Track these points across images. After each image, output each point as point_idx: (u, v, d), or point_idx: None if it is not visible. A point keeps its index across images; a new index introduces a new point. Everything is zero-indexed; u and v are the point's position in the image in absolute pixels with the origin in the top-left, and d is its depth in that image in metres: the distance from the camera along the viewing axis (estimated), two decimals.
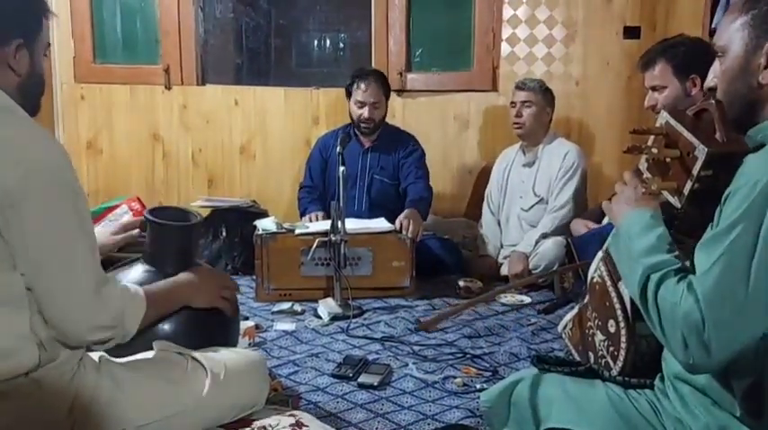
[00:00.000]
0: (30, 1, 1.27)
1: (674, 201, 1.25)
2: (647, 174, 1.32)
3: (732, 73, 1.14)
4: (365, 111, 3.18)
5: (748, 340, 1.02)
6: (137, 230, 1.76)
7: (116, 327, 1.27)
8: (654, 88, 2.19)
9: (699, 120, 1.29)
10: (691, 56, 2.13)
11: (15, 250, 1.15)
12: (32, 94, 1.28)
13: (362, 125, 3.22)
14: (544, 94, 3.21)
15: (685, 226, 1.25)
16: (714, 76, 1.19)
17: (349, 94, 3.26)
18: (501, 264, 3.22)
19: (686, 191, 1.22)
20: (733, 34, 1.13)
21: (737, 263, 1.01)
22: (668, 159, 1.28)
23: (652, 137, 1.33)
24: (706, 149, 1.18)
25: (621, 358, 1.32)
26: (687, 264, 1.12)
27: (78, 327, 1.23)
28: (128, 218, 1.81)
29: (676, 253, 1.14)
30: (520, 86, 3.22)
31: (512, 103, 3.23)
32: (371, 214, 3.19)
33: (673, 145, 1.27)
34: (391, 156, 3.31)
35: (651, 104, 2.22)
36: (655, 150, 1.29)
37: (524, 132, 3.20)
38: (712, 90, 1.19)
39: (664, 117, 1.33)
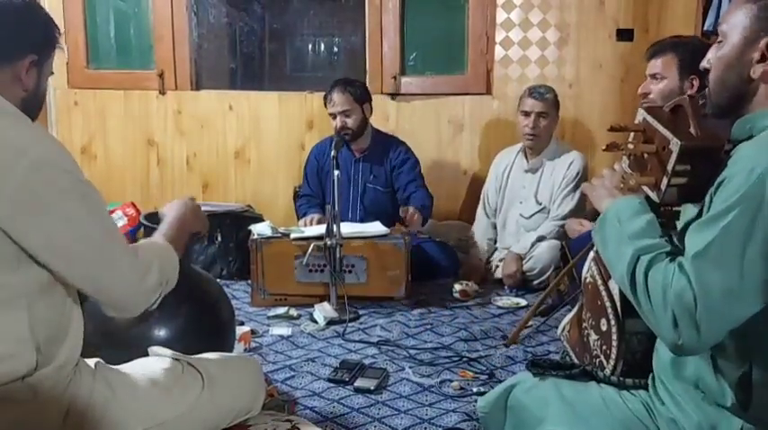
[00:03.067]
0: (49, 23, 1.33)
1: (654, 196, 1.26)
2: (627, 171, 1.33)
3: (726, 60, 1.15)
4: (338, 122, 3.20)
5: (738, 321, 1.03)
6: None
7: (162, 283, 1.31)
8: (653, 76, 2.17)
9: (675, 115, 1.30)
10: (698, 56, 2.13)
11: (39, 251, 1.15)
12: (31, 112, 1.30)
13: (342, 135, 3.20)
14: (556, 104, 3.20)
15: (667, 222, 1.25)
16: (709, 58, 1.19)
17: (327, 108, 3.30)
18: (497, 267, 3.22)
19: (663, 185, 1.23)
20: (736, 22, 1.14)
21: (732, 245, 1.02)
22: (646, 155, 1.29)
23: (632, 134, 1.34)
24: (679, 143, 1.19)
25: (613, 356, 1.32)
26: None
27: (136, 300, 1.27)
28: (121, 223, 1.81)
29: (666, 237, 1.15)
30: (536, 96, 3.14)
31: (524, 111, 3.17)
32: (366, 222, 3.18)
33: (650, 141, 1.29)
34: (383, 165, 3.31)
35: (645, 92, 2.20)
36: (631, 146, 1.30)
37: (537, 142, 3.17)
38: (706, 71, 1.20)
39: (641, 114, 1.34)
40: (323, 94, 3.68)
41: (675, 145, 1.20)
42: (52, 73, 1.36)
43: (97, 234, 1.21)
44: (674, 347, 1.06)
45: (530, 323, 2.64)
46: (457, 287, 2.98)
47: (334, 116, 3.22)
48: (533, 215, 3.20)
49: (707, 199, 1.11)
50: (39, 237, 1.15)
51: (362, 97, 3.25)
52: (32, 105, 1.30)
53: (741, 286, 1.01)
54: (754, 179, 1.01)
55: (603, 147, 1.35)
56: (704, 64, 1.20)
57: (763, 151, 1.05)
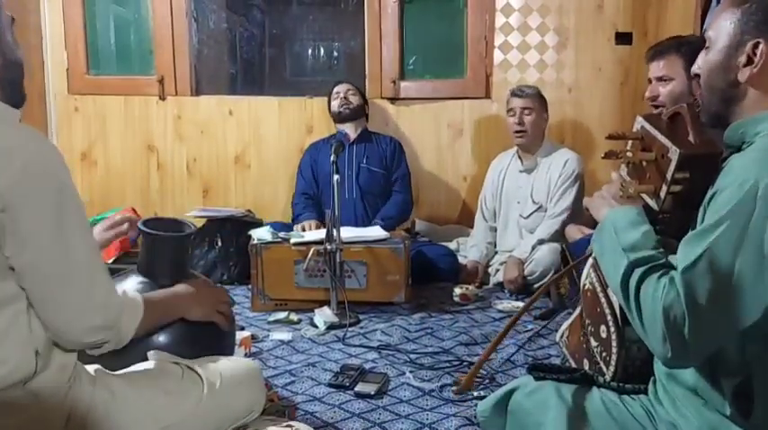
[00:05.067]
0: None
1: (653, 203, 1.26)
2: (626, 178, 1.33)
3: (714, 65, 1.16)
4: (341, 96, 3.44)
5: (727, 337, 1.03)
6: (126, 225, 1.75)
7: (111, 330, 1.24)
8: (660, 79, 2.15)
9: (673, 123, 1.30)
10: None
11: (11, 254, 1.13)
12: (12, 83, 1.22)
13: (342, 110, 3.43)
14: (540, 100, 3.24)
15: (666, 229, 1.25)
16: (699, 64, 1.20)
17: (330, 104, 3.53)
18: (497, 271, 3.22)
19: (662, 193, 1.23)
20: (722, 26, 1.15)
21: (721, 259, 1.01)
22: (644, 163, 1.29)
23: (630, 141, 1.35)
24: (678, 151, 1.19)
25: (613, 363, 1.32)
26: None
27: (72, 328, 1.20)
28: (119, 216, 1.78)
29: (661, 249, 1.14)
30: (517, 94, 3.22)
31: (509, 110, 3.22)
32: (363, 201, 3.37)
33: (648, 149, 1.29)
34: (376, 148, 3.47)
35: (653, 95, 2.16)
36: (630, 154, 1.30)
37: (527, 140, 3.20)
38: (697, 76, 1.21)
39: (639, 122, 1.34)
40: (323, 98, 3.71)
41: (675, 153, 1.20)
42: (14, 19, 1.23)
43: (69, 246, 1.16)
44: (664, 361, 1.07)
45: (529, 327, 2.64)
46: (457, 291, 2.98)
47: (337, 95, 3.45)
48: (531, 214, 3.22)
49: (700, 211, 1.11)
50: (13, 238, 1.12)
51: (364, 95, 3.56)
52: (9, 78, 1.21)
53: (730, 301, 1.01)
54: (743, 193, 1.01)
55: (602, 155, 1.35)
56: (695, 69, 1.21)
57: (753, 163, 1.04)
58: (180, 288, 1.55)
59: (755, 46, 1.11)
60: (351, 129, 3.46)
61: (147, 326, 1.36)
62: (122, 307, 1.28)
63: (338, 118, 3.47)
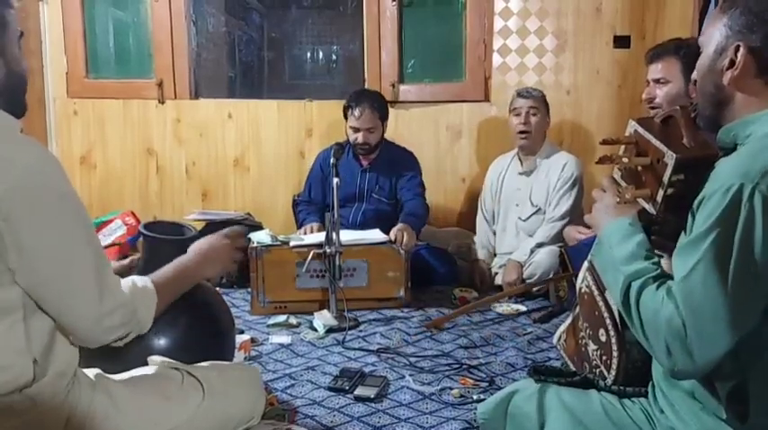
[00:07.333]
0: None
1: (650, 207, 1.26)
2: (621, 183, 1.33)
3: (703, 70, 1.18)
4: (359, 137, 3.20)
5: (730, 344, 1.03)
6: (128, 260, 1.76)
7: (129, 324, 1.27)
8: (657, 81, 2.16)
9: (666, 126, 1.30)
10: None
11: (15, 264, 1.13)
12: (15, 94, 1.23)
13: (359, 150, 3.24)
14: (545, 104, 3.24)
15: (665, 231, 1.26)
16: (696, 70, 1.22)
17: (346, 116, 3.26)
18: (496, 274, 3.23)
19: (659, 197, 1.23)
20: (711, 32, 1.17)
21: (715, 268, 1.02)
22: (640, 167, 1.29)
23: (623, 146, 1.34)
24: (674, 156, 1.20)
25: (614, 366, 1.32)
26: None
27: (91, 331, 1.23)
28: (121, 232, 1.80)
29: (655, 259, 1.15)
30: (524, 95, 3.21)
31: (514, 110, 3.21)
32: (364, 229, 3.19)
33: (643, 153, 1.29)
34: (390, 178, 3.32)
35: (649, 97, 2.16)
36: (625, 160, 1.30)
37: (531, 141, 3.20)
38: (696, 82, 1.22)
39: (632, 126, 1.34)
40: (322, 102, 3.70)
41: (671, 158, 1.20)
42: (22, 33, 1.24)
43: (74, 255, 1.18)
44: (671, 373, 1.07)
45: (528, 330, 2.64)
46: (456, 294, 2.99)
47: (355, 130, 3.20)
48: (530, 217, 3.22)
49: (689, 217, 1.11)
50: (16, 250, 1.12)
51: (386, 115, 3.29)
52: (13, 89, 1.22)
53: (728, 308, 1.01)
54: (728, 199, 1.02)
55: (596, 161, 1.34)
56: (694, 76, 1.23)
57: (736, 169, 1.05)
58: (189, 254, 1.53)
59: (737, 49, 1.12)
60: (364, 158, 3.30)
61: (164, 306, 1.38)
62: (135, 301, 1.29)
63: (354, 149, 3.27)
